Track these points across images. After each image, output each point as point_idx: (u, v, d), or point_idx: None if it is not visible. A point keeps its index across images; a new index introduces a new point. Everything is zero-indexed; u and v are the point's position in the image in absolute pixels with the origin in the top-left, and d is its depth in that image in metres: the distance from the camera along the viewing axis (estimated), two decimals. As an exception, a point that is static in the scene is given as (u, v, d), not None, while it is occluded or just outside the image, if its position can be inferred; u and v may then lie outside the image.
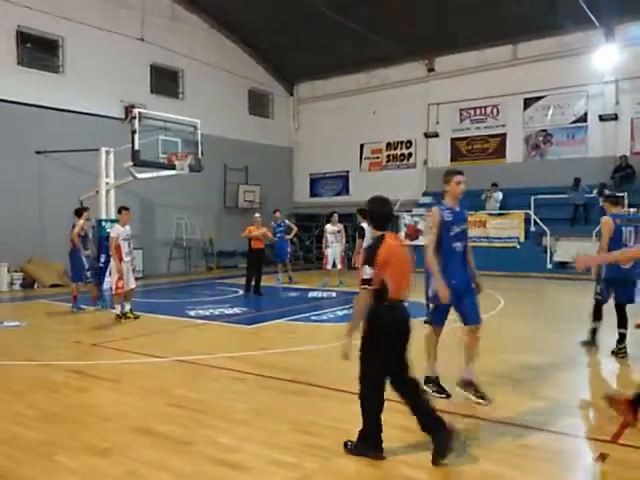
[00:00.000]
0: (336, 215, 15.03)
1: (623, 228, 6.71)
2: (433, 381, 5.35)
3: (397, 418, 4.37)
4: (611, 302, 7.18)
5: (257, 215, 13.93)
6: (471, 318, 5.25)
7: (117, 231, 9.99)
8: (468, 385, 5.18)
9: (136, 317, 9.94)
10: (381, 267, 3.90)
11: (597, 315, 7.35)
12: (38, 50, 16.01)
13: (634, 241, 6.45)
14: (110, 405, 5.22)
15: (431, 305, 5.43)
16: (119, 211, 10.35)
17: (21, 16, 15.22)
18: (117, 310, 9.87)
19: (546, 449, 4.08)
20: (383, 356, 3.99)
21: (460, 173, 5.62)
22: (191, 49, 19.52)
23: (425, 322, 5.83)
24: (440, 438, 3.84)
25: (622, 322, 7.01)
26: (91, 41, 16.68)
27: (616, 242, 6.55)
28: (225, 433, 4.44)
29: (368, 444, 3.98)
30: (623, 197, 9.51)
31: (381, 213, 4.22)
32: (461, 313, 5.28)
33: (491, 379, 5.90)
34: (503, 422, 4.59)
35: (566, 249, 15.99)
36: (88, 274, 10.96)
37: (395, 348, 4.02)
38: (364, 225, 10.64)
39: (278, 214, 15.73)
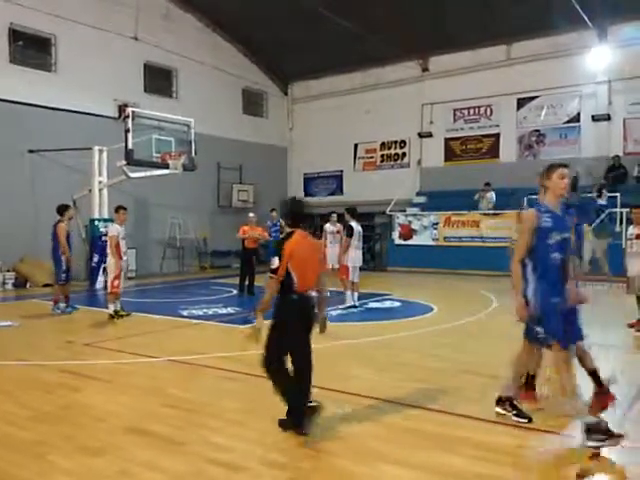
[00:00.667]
0: (334, 215, 14.89)
1: None
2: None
3: (382, 415, 4.37)
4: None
5: (251, 215, 13.87)
6: (575, 336, 4.58)
7: (117, 229, 9.94)
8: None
9: (128, 314, 9.95)
10: (286, 259, 4.33)
11: None
12: (31, 48, 15.93)
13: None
14: (103, 405, 5.20)
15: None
16: (116, 210, 10.23)
17: (13, 14, 15.14)
18: (111, 309, 9.83)
19: (543, 450, 4.09)
20: (285, 340, 4.47)
21: (565, 166, 4.49)
22: (185, 48, 19.47)
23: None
24: (302, 419, 4.36)
25: None
26: (84, 39, 16.61)
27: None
28: (219, 433, 4.44)
29: (293, 420, 4.39)
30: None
31: (294, 212, 4.70)
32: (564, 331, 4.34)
33: (483, 379, 5.92)
34: (499, 422, 4.60)
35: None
36: (62, 276, 10.58)
37: (296, 334, 4.47)
38: (353, 224, 10.75)
39: (274, 213, 15.64)
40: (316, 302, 4.56)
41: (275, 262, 4.34)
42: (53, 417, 4.88)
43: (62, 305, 10.54)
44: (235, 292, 13.43)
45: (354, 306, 10.72)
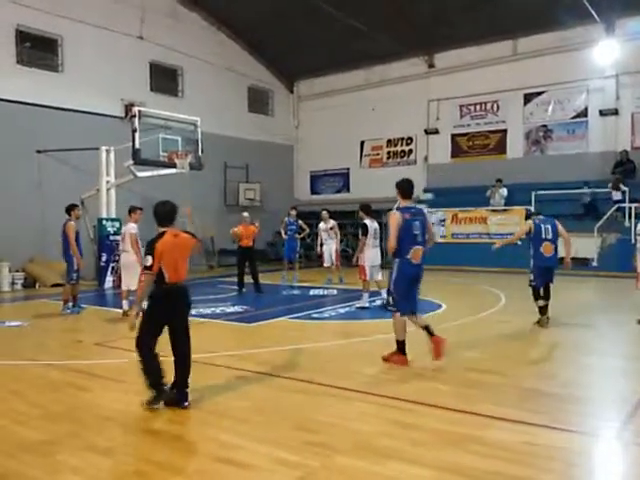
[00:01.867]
0: (325, 212, 14.83)
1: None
2: None
3: (391, 413, 4.36)
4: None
5: (245, 214, 14.02)
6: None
7: (135, 228, 9.99)
8: None
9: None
10: (157, 257, 4.91)
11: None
12: (37, 49, 16.01)
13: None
14: (113, 404, 5.22)
15: None
16: (133, 210, 10.20)
17: (20, 15, 15.21)
18: (126, 306, 9.91)
19: (551, 446, 4.08)
20: (154, 325, 5.01)
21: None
22: (190, 47, 19.50)
23: None
24: (179, 390, 5.00)
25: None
26: (90, 39, 16.68)
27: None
28: (228, 431, 4.44)
29: (155, 394, 4.93)
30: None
31: (161, 212, 5.23)
32: None
33: (491, 376, 5.90)
34: (508, 419, 4.58)
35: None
36: (74, 276, 10.61)
37: (165, 320, 5.06)
38: (367, 222, 10.43)
39: (293, 212, 15.68)
40: (188, 291, 5.23)
41: (148, 260, 4.93)
42: (63, 416, 4.90)
43: (71, 305, 10.58)
44: (244, 290, 13.44)
45: (384, 306, 10.35)
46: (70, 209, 10.63)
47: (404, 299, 6.36)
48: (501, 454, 3.93)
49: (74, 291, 10.66)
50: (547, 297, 8.90)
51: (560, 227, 8.95)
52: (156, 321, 5.03)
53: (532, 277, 8.92)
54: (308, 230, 15.92)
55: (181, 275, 5.12)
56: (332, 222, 14.58)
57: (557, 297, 11.40)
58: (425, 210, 7.03)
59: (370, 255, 10.42)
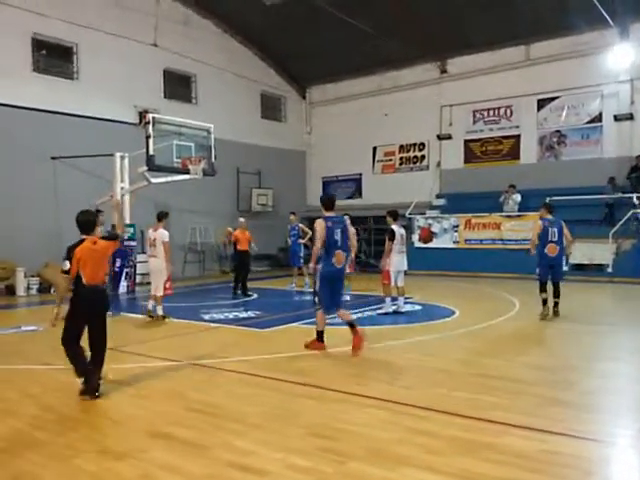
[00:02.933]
0: (347, 217, 14.81)
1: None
2: None
3: (405, 420, 4.33)
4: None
5: (242, 220, 14.18)
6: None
7: (167, 235, 10.24)
8: None
9: (164, 317, 10.24)
10: (75, 262, 5.47)
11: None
12: (53, 57, 16.22)
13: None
14: (126, 409, 5.24)
15: None
16: (165, 216, 10.52)
17: (36, 23, 15.42)
18: (160, 311, 10.11)
19: (567, 454, 4.03)
20: (76, 322, 5.52)
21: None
22: (204, 54, 19.65)
23: None
24: (91, 382, 5.50)
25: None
26: (105, 47, 16.86)
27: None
28: (240, 437, 4.44)
29: (85, 382, 5.54)
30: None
31: (82, 221, 5.71)
32: None
33: (505, 383, 5.86)
34: (522, 427, 4.54)
35: (582, 251, 15.83)
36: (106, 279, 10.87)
37: (85, 318, 5.55)
38: (394, 227, 10.43)
39: (292, 217, 15.67)
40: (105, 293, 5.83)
41: (66, 264, 5.47)
42: (77, 421, 4.93)
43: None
44: (255, 296, 13.47)
45: (395, 312, 10.46)
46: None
47: (328, 298, 7.40)
48: (516, 462, 3.89)
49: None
50: (557, 295, 9.91)
51: (565, 230, 9.87)
52: (77, 319, 5.54)
53: (537, 271, 9.99)
54: (310, 233, 15.82)
55: (97, 278, 5.64)
56: (352, 230, 14.45)
57: (573, 303, 11.32)
58: (347, 220, 7.83)
59: (396, 261, 10.45)
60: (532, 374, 6.22)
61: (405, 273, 10.83)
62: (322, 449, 4.15)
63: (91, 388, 5.51)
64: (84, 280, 5.51)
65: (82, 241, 5.60)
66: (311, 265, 7.59)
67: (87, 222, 5.73)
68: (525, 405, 5.11)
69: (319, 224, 7.32)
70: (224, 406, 5.25)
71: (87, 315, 5.58)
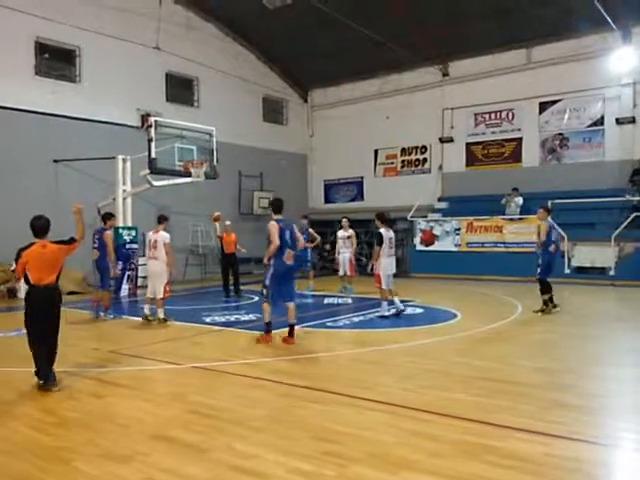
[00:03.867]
0: (346, 220, 14.77)
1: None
2: None
3: (407, 423, 4.31)
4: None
5: (228, 223, 14.37)
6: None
7: (169, 237, 10.31)
8: None
9: (163, 320, 10.23)
10: (21, 264, 5.87)
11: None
12: (55, 60, 16.26)
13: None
14: (128, 412, 5.23)
15: None
16: (166, 219, 10.66)
17: (39, 27, 15.46)
18: (162, 314, 10.10)
19: (570, 458, 4.02)
20: (30, 321, 5.93)
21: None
22: (206, 57, 19.69)
23: None
24: (49, 378, 5.88)
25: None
26: (107, 50, 16.89)
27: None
28: (243, 440, 4.43)
29: (40, 377, 5.90)
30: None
31: (36, 226, 6.09)
32: None
33: (508, 386, 5.84)
34: (525, 430, 4.53)
35: (584, 254, 15.82)
36: (111, 282, 10.98)
37: (35, 317, 5.90)
38: (382, 231, 10.39)
39: (303, 220, 15.62)
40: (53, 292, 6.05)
41: (13, 265, 5.99)
42: (78, 423, 4.92)
43: (102, 309, 10.85)
44: (257, 299, 13.46)
45: (400, 311, 10.45)
46: (106, 218, 10.86)
47: (276, 292, 8.17)
48: (519, 465, 3.88)
49: (98, 297, 10.89)
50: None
51: (559, 230, 11.43)
52: (30, 317, 5.93)
53: (539, 270, 10.69)
54: (319, 238, 15.81)
55: (44, 279, 5.94)
56: (351, 231, 14.51)
57: (575, 306, 11.31)
58: (293, 224, 8.51)
59: (385, 264, 10.38)
60: (535, 377, 6.21)
61: (395, 276, 10.84)
62: (324, 452, 4.14)
63: (44, 382, 5.88)
64: (32, 281, 5.92)
65: (31, 245, 5.97)
66: (265, 261, 8.21)
67: (42, 227, 6.10)
68: (528, 408, 5.09)
69: (273, 226, 8.13)
70: (226, 409, 5.23)
71: (38, 313, 5.91)
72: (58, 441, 4.48)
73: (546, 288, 10.68)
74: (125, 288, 14.64)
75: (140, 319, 10.37)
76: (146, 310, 10.26)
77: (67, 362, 7.19)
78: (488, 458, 3.99)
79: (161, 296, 10.13)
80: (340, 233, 14.77)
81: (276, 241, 7.96)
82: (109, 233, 10.69)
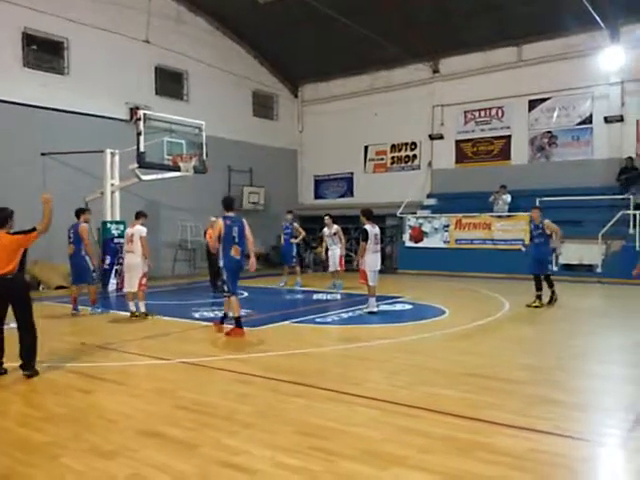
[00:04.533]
0: (328, 217, 14.66)
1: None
2: None
3: (396, 419, 4.32)
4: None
5: (213, 218, 14.20)
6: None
7: (145, 231, 10.30)
8: None
9: (145, 315, 10.24)
10: None
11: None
12: (43, 51, 16.08)
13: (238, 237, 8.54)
14: (115, 407, 5.21)
15: None
16: (143, 215, 10.63)
17: (27, 18, 15.29)
18: (142, 308, 10.12)
19: (556, 453, 4.05)
20: None
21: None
22: (196, 51, 19.57)
23: None
24: (26, 366, 6.14)
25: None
26: (96, 43, 16.74)
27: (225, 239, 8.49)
28: (230, 435, 4.43)
29: None
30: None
31: None
32: None
33: (496, 382, 5.88)
34: (512, 426, 4.56)
35: (572, 251, 15.93)
36: (94, 275, 10.93)
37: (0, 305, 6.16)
38: (367, 227, 10.38)
39: (288, 215, 15.64)
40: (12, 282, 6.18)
41: None
42: (66, 419, 4.89)
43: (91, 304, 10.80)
44: (246, 294, 13.45)
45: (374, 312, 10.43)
46: (80, 213, 10.79)
47: (233, 284, 8.53)
48: (506, 461, 3.90)
49: (75, 292, 10.75)
50: (539, 287, 11.32)
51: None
52: None
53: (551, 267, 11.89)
54: (304, 233, 15.78)
55: (4, 268, 6.07)
56: (335, 227, 14.43)
57: (562, 303, 11.40)
58: (243, 219, 8.72)
59: (371, 260, 10.40)
60: (522, 373, 6.25)
61: (383, 272, 10.92)
62: (312, 448, 4.14)
63: (23, 369, 6.11)
64: None
65: None
66: (221, 262, 8.55)
67: (3, 218, 6.33)
68: (515, 404, 5.13)
69: (218, 223, 8.56)
70: (214, 404, 5.23)
71: (1, 301, 6.16)
72: (46, 437, 4.45)
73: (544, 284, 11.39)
74: (113, 282, 14.54)
75: (128, 313, 10.30)
76: (132, 307, 10.18)
77: (55, 357, 7.15)
78: (477, 454, 4.01)
79: (135, 289, 10.12)
80: (325, 231, 14.72)
81: (215, 241, 8.52)
82: (84, 226, 10.57)
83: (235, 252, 8.46)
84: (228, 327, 8.61)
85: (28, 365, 6.13)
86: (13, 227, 6.51)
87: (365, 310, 10.47)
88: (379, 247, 10.70)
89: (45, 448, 4.21)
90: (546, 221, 11.36)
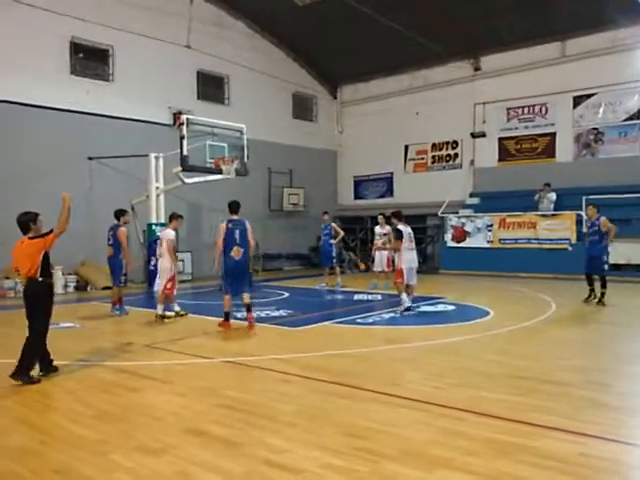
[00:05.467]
0: (382, 217, 14.77)
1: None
2: None
3: (440, 421, 4.26)
4: None
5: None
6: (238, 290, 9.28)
7: (173, 234, 10.39)
8: None
9: (186, 313, 10.42)
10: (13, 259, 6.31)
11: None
12: (89, 59, 16.53)
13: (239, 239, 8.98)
14: (162, 405, 5.31)
15: None
16: (174, 217, 10.69)
17: (74, 27, 15.74)
18: (159, 310, 10.18)
19: (606, 458, 3.94)
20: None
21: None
22: (236, 55, 19.80)
23: None
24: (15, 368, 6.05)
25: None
26: (139, 49, 17.12)
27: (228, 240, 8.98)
28: (275, 435, 4.46)
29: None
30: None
31: (18, 222, 6.32)
32: None
33: (542, 385, 5.76)
34: (560, 429, 4.46)
35: (620, 251, 15.46)
36: (122, 279, 11.00)
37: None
38: (400, 227, 10.62)
39: (325, 216, 15.66)
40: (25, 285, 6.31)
41: None
42: (114, 416, 5.02)
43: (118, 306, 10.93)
44: (287, 295, 13.54)
45: (409, 309, 10.50)
46: (119, 214, 10.95)
47: (230, 285, 9.07)
48: (554, 465, 3.82)
49: (120, 293, 11.00)
50: (591, 284, 11.36)
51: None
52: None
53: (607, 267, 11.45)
54: (342, 234, 15.74)
55: (24, 272, 6.22)
56: (388, 228, 14.32)
57: (609, 304, 11.08)
58: (247, 223, 9.13)
59: (408, 257, 10.54)
60: (569, 376, 6.11)
61: (425, 272, 10.92)
62: (356, 448, 4.14)
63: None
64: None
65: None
66: (215, 262, 9.12)
67: (19, 223, 6.34)
68: (563, 407, 5.01)
69: (221, 226, 9.07)
70: (259, 404, 5.28)
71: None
72: (96, 434, 4.57)
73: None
74: (158, 283, 14.78)
75: (171, 313, 10.48)
76: (176, 307, 10.40)
77: (103, 356, 7.35)
78: (522, 457, 3.94)
79: (160, 291, 10.26)
80: (377, 229, 14.75)
81: (219, 242, 8.98)
82: (123, 230, 10.74)
83: (235, 253, 8.93)
84: (237, 322, 9.43)
85: (15, 368, 6.02)
86: (40, 230, 6.50)
87: (399, 310, 10.42)
88: (414, 245, 10.87)
89: (95, 445, 4.33)
90: (602, 218, 11.17)
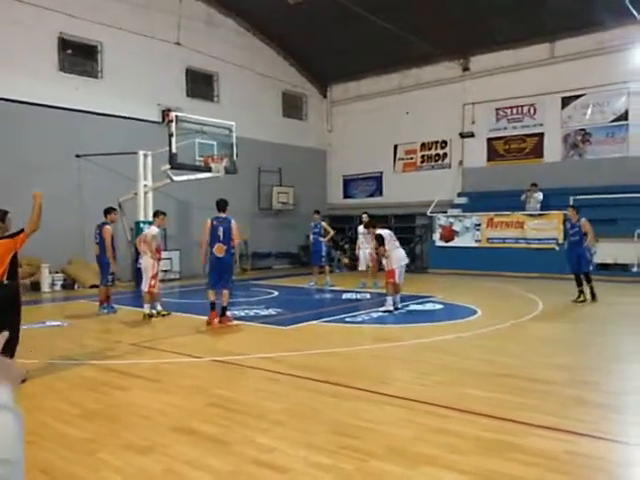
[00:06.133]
0: (366, 216, 14.80)
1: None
2: None
3: (427, 419, 4.29)
4: None
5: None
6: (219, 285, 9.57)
7: (157, 231, 10.32)
8: None
9: (168, 313, 10.35)
10: None
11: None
12: (78, 56, 16.41)
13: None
14: (150, 404, 5.29)
15: None
16: (157, 214, 10.67)
17: (62, 23, 15.61)
18: (146, 309, 10.11)
19: (593, 456, 3.98)
20: None
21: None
22: (226, 52, 19.73)
23: None
24: None
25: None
26: (129, 46, 17.01)
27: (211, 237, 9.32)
28: (262, 433, 4.46)
29: None
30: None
31: None
32: None
33: (528, 383, 5.80)
34: (547, 427, 4.50)
35: (606, 251, 15.60)
36: (109, 278, 10.92)
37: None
38: (379, 231, 10.70)
39: (316, 215, 15.68)
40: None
41: None
42: (102, 415, 5.00)
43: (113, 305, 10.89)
44: (276, 293, 13.54)
45: (396, 308, 10.52)
46: (108, 212, 10.90)
47: (213, 279, 9.42)
48: (541, 462, 3.85)
49: (108, 292, 10.94)
50: (579, 284, 11.51)
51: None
52: None
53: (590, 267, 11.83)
54: (332, 232, 15.77)
55: None
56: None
57: (596, 303, 11.18)
58: (232, 220, 9.39)
59: (398, 256, 10.59)
60: (556, 374, 6.15)
61: (413, 271, 11.07)
62: (343, 447, 4.15)
63: None
64: None
65: None
66: (201, 256, 9.40)
67: None
68: (549, 405, 5.05)
69: (206, 223, 9.39)
70: (247, 402, 5.28)
71: None
72: (82, 432, 4.55)
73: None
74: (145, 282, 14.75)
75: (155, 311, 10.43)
76: (146, 309, 10.23)
77: (91, 354, 7.31)
78: (509, 455, 3.97)
79: (146, 289, 10.22)
80: (360, 229, 14.76)
81: (203, 238, 9.38)
82: (108, 228, 10.66)
83: (217, 250, 9.22)
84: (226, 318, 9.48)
85: None
86: (9, 229, 6.06)
87: (381, 309, 10.45)
88: (398, 243, 10.89)
89: (83, 444, 4.31)
90: (583, 220, 11.38)
